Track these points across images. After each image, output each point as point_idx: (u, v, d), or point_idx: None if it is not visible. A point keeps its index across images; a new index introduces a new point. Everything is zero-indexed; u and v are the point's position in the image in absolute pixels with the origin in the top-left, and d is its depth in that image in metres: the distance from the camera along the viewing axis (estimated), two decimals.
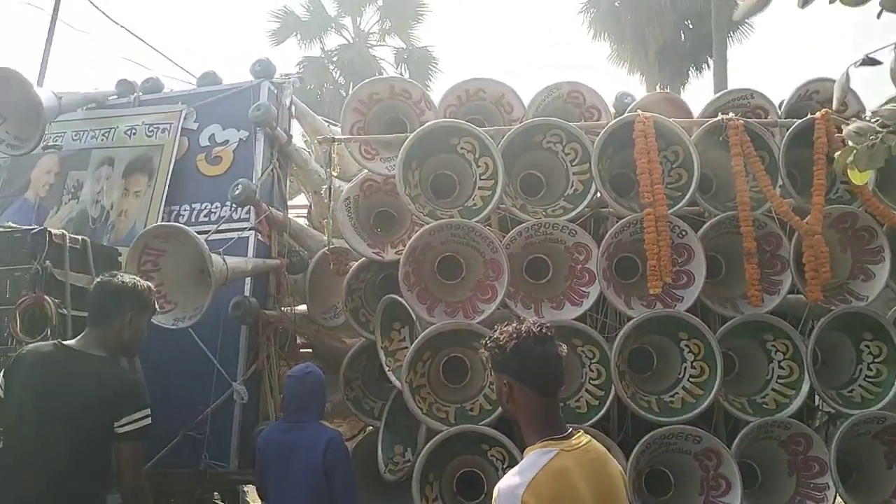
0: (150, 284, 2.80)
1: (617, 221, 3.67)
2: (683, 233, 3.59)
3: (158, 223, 3.76)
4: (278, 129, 4.45)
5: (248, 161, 4.34)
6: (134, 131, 4.52)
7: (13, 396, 2.51)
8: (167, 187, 4.31)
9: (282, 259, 4.38)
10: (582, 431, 2.00)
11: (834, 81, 3.81)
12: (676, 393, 3.65)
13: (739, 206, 3.61)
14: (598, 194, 3.66)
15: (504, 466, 3.47)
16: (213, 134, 4.44)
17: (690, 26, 17.99)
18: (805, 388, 3.64)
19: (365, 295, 4.32)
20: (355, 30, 19.84)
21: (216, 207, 4.29)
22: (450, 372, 3.82)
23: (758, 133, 3.74)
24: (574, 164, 3.69)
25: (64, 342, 2.66)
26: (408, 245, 3.55)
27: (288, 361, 4.45)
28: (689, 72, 18.96)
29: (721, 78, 16.26)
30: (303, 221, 5.01)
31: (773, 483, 3.75)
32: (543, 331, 1.97)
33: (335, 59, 19.49)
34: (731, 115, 3.71)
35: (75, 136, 4.60)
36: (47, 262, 3.18)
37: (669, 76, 18.81)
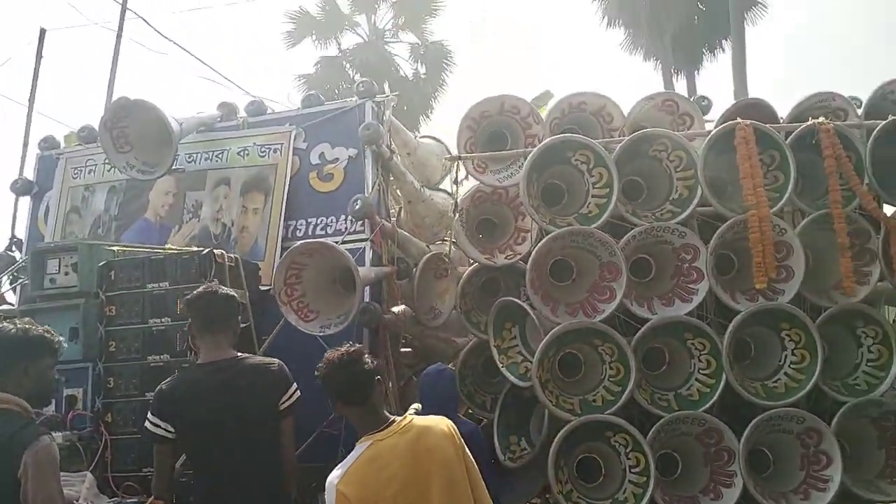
0: None
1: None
2: (783, 231, 3.90)
3: (306, 241, 4.04)
4: (383, 145, 4.75)
5: (358, 177, 4.62)
6: (247, 152, 4.80)
7: (185, 424, 2.76)
8: (284, 204, 4.60)
9: (392, 266, 4.69)
10: (410, 418, 2.44)
11: None
12: (779, 378, 3.97)
13: (832, 204, 3.92)
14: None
15: (627, 451, 3.81)
16: (323, 152, 4.71)
17: (703, 9, 18.04)
18: (894, 369, 3.95)
19: (475, 297, 4.64)
20: (370, 27, 19.92)
21: (332, 221, 4.58)
22: (564, 368, 4.15)
23: (845, 134, 4.04)
24: (678, 170, 3.99)
25: (196, 363, 2.97)
26: (534, 252, 3.86)
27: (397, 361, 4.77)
28: (704, 55, 19.10)
29: (739, 60, 16.34)
30: None
31: (865, 458, 4.07)
32: (344, 357, 2.42)
33: (351, 58, 19.60)
34: (821, 119, 4.00)
35: (189, 158, 4.88)
36: (215, 279, 3.49)
37: (684, 61, 18.99)
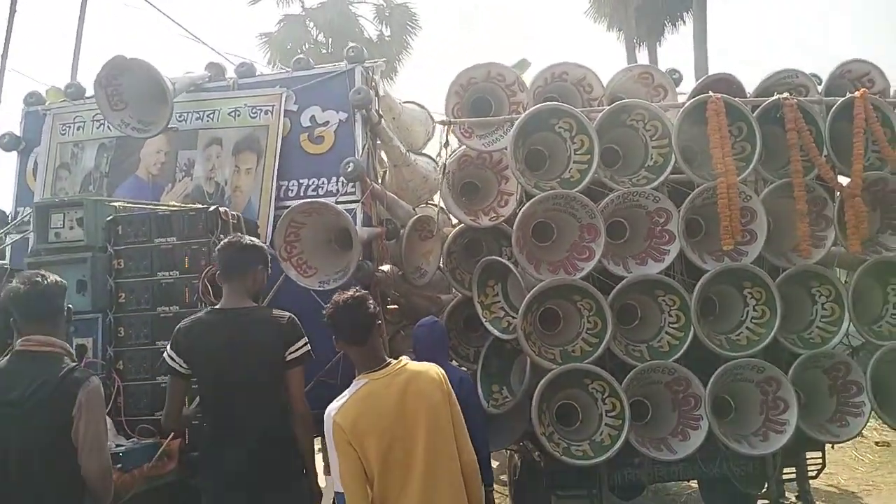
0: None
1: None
2: (748, 197, 4.23)
3: (306, 200, 4.20)
4: (372, 110, 4.90)
5: (349, 140, 4.77)
6: (238, 113, 4.90)
7: (203, 361, 2.96)
8: (277, 164, 4.74)
9: (381, 227, 4.89)
10: (404, 362, 2.66)
11: (865, 62, 4.50)
12: (741, 332, 4.35)
13: (793, 173, 4.26)
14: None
15: (604, 396, 4.14)
16: (314, 115, 4.84)
17: None
18: (845, 325, 4.36)
19: (459, 257, 4.89)
20: None
21: (323, 182, 4.73)
22: (544, 321, 4.45)
23: (806, 110, 4.37)
24: (654, 139, 4.28)
25: (214, 307, 3.13)
26: (520, 213, 4.12)
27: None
28: (666, 27, 19.48)
29: (701, 32, 16.78)
30: None
31: (817, 404, 4.50)
32: (350, 300, 2.65)
33: (315, 16, 19.33)
34: (785, 94, 4.32)
35: (180, 117, 4.92)
36: (222, 235, 3.65)
37: (646, 32, 19.33)
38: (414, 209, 5.54)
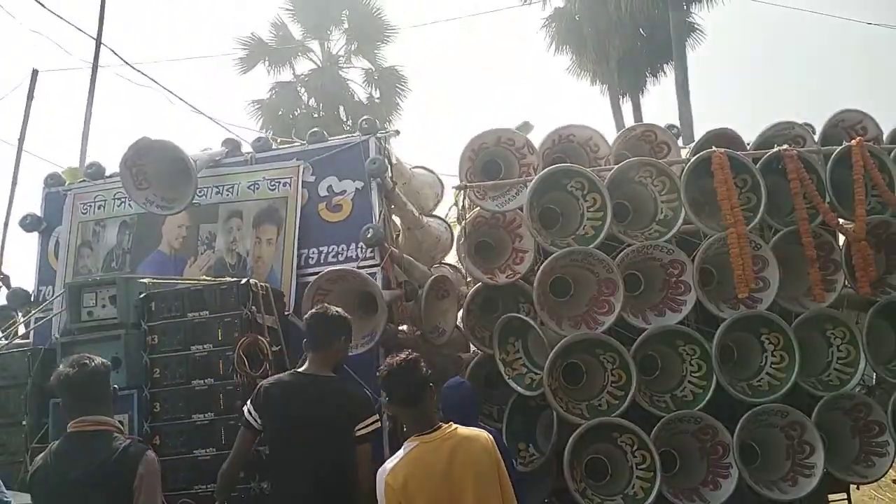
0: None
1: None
2: (758, 246, 4.37)
3: (333, 269, 4.32)
4: (387, 177, 5.07)
5: (366, 207, 4.92)
6: (257, 186, 5.06)
7: (274, 421, 3.05)
8: (297, 234, 4.87)
9: (400, 289, 4.99)
10: (455, 426, 2.71)
11: (858, 112, 4.72)
12: (762, 378, 4.42)
13: (799, 221, 4.42)
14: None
15: (633, 449, 4.17)
16: (331, 185, 5.00)
17: (644, 35, 18.87)
18: (862, 365, 4.44)
19: (477, 315, 4.98)
20: (324, 53, 20.04)
21: (342, 249, 4.85)
22: (566, 376, 4.51)
23: (806, 159, 4.56)
24: (662, 193, 4.44)
25: (297, 370, 3.22)
26: (540, 271, 4.23)
27: None
28: (647, 79, 20.05)
29: (682, 82, 17.31)
30: None
31: (841, 446, 4.53)
32: (403, 362, 2.71)
33: (306, 82, 19.70)
34: (785, 146, 4.51)
35: (200, 192, 5.06)
36: (253, 307, 3.74)
37: (629, 85, 19.89)
38: (429, 269, 5.65)
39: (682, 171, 4.47)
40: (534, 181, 4.28)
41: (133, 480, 2.54)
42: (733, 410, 4.35)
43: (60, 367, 2.85)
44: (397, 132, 5.36)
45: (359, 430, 3.08)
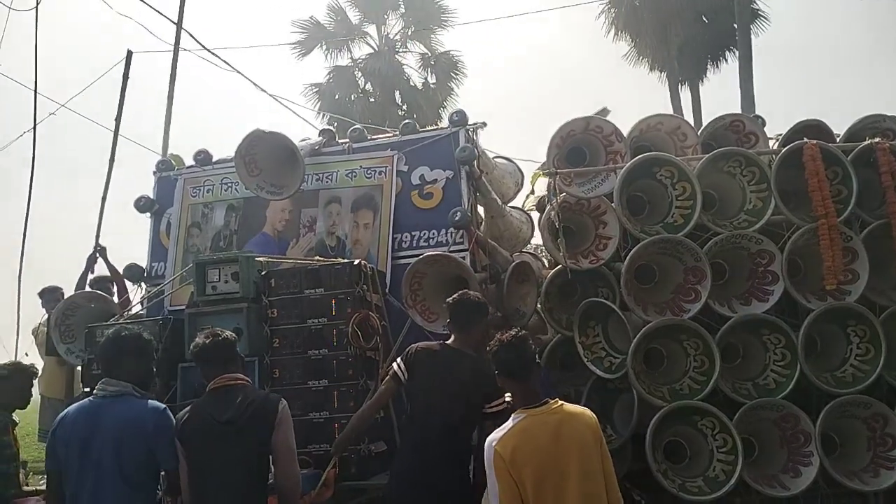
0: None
1: None
2: (849, 238, 4.42)
3: (430, 253, 4.60)
4: (475, 166, 5.31)
5: (455, 194, 5.19)
6: (354, 174, 5.38)
7: (419, 380, 3.46)
8: (392, 219, 5.17)
9: (485, 272, 5.23)
10: (561, 403, 2.86)
11: None
12: (846, 369, 4.47)
13: (891, 215, 4.43)
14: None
15: (714, 432, 4.31)
16: (423, 174, 5.29)
17: (707, 21, 18.41)
18: None
19: (555, 298, 5.17)
20: (380, 37, 20.11)
21: (433, 234, 5.14)
22: (647, 361, 4.66)
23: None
24: (752, 183, 4.52)
25: (445, 342, 3.62)
26: (629, 257, 4.40)
27: None
28: (708, 67, 19.54)
29: (746, 70, 16.79)
30: None
31: None
32: (511, 339, 2.91)
33: (363, 66, 19.80)
34: (877, 139, 4.53)
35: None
36: (364, 286, 4.05)
37: (688, 72, 19.39)
38: (510, 255, 5.87)
39: (771, 161, 4.54)
40: (625, 169, 4.44)
41: (274, 420, 2.98)
42: (810, 400, 4.42)
43: (197, 338, 3.24)
44: (484, 124, 5.57)
45: (489, 408, 3.43)
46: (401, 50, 20.59)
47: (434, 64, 20.18)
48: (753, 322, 4.45)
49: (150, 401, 3.08)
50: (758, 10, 18.06)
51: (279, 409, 3.03)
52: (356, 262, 4.14)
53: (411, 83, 20.35)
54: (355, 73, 19.95)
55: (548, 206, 4.64)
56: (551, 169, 4.60)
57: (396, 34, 20.51)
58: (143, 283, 5.61)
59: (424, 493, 3.31)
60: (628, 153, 4.79)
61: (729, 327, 4.40)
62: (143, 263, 5.71)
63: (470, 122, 5.47)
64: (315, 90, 19.76)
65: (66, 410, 3.07)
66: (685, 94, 19.63)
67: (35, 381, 4.54)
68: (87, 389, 4.31)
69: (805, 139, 4.48)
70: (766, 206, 4.46)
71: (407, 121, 5.61)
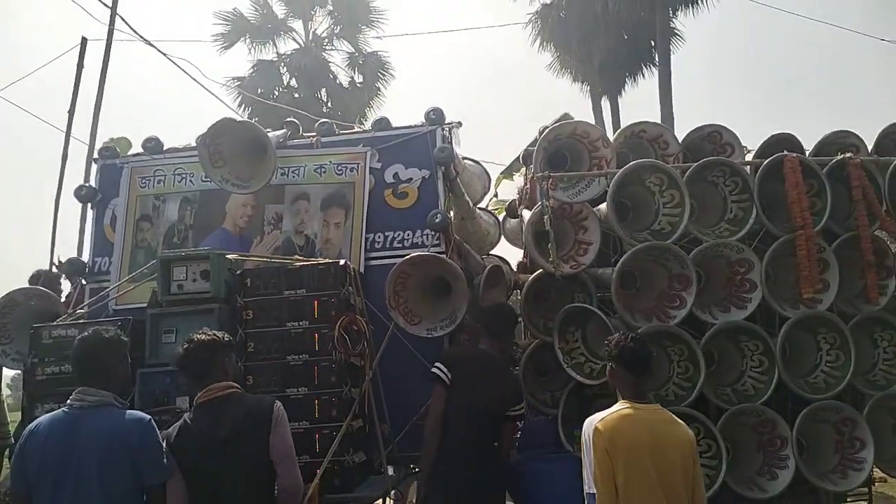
0: None
1: None
2: (823, 249, 4.53)
3: (416, 254, 4.37)
4: (451, 167, 5.13)
5: (432, 195, 5.01)
6: (324, 170, 5.09)
7: (460, 376, 3.85)
8: (365, 218, 4.91)
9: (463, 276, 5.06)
10: (660, 407, 3.26)
11: None
12: (818, 375, 4.58)
13: (860, 228, 4.58)
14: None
15: (700, 438, 4.30)
16: (397, 172, 5.07)
17: (626, 37, 19.25)
18: None
19: (531, 303, 5.06)
20: (307, 34, 19.94)
21: (408, 235, 4.93)
22: None
23: (867, 167, 4.73)
24: (734, 193, 4.57)
25: (480, 346, 3.96)
26: (619, 263, 4.33)
27: None
28: (626, 81, 20.33)
29: (665, 83, 17.58)
30: None
31: (882, 442, 4.71)
32: (635, 337, 3.35)
33: (288, 62, 19.48)
34: (849, 154, 4.68)
35: None
36: (350, 287, 3.78)
37: (609, 85, 20.12)
38: (482, 259, 5.74)
39: (752, 172, 4.60)
40: (618, 174, 4.37)
41: (270, 425, 2.86)
42: (780, 404, 4.50)
43: (179, 348, 2.99)
44: (460, 124, 5.41)
45: (513, 410, 4.01)
46: (328, 47, 20.25)
47: (362, 63, 19.95)
48: (734, 329, 4.49)
49: (130, 411, 2.72)
50: (675, 28, 18.92)
51: (274, 411, 2.94)
52: (342, 262, 3.87)
53: (337, 81, 20.03)
54: (280, 67, 19.47)
55: (540, 210, 4.51)
56: (544, 173, 4.48)
57: (324, 31, 20.17)
58: (83, 280, 5.08)
59: (472, 483, 3.70)
60: (614, 159, 4.75)
61: (713, 333, 4.42)
62: (85, 258, 5.21)
63: (447, 122, 5.31)
64: (238, 83, 19.14)
65: (36, 422, 2.65)
66: (604, 105, 20.32)
67: None
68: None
69: (785, 151, 4.56)
70: (748, 215, 4.51)
71: (381, 116, 5.37)
